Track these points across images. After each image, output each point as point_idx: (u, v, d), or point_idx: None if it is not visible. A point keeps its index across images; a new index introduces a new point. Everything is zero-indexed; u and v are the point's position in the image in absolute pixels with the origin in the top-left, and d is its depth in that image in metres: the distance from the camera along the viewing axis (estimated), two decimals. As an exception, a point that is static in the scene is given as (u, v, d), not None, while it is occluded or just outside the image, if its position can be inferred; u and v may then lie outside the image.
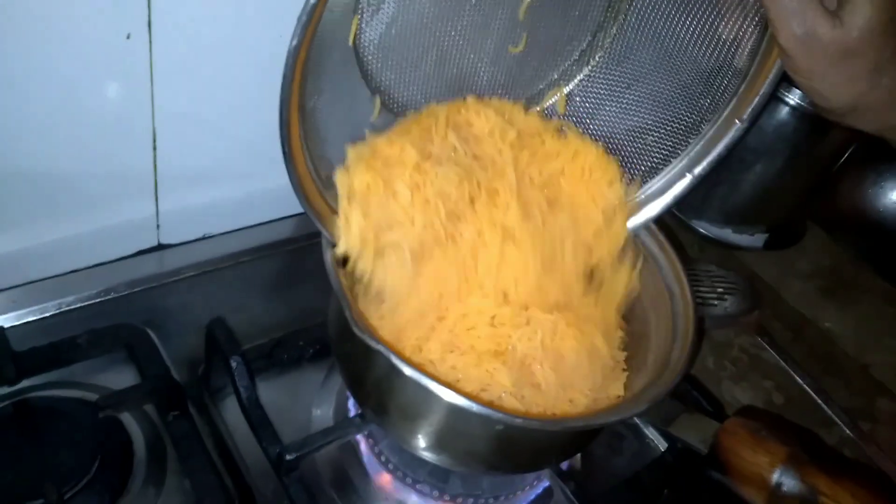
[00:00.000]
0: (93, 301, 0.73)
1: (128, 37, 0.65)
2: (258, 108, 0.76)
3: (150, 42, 0.66)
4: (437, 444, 0.57)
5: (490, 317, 0.61)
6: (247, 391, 0.63)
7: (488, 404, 0.52)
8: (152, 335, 0.71)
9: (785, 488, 0.53)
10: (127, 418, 0.65)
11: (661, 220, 0.71)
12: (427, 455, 0.59)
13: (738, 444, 0.57)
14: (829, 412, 0.85)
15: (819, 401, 0.86)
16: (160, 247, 0.80)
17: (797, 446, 0.55)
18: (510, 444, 0.57)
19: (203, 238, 0.83)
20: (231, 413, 0.68)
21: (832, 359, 0.92)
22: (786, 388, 0.88)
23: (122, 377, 0.69)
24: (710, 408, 0.75)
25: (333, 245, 0.56)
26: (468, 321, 0.61)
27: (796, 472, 0.53)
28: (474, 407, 0.49)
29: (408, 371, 0.49)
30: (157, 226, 0.79)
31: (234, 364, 0.63)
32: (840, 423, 0.84)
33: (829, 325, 0.98)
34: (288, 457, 0.59)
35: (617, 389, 0.64)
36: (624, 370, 0.66)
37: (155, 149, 0.72)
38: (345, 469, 0.67)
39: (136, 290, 0.76)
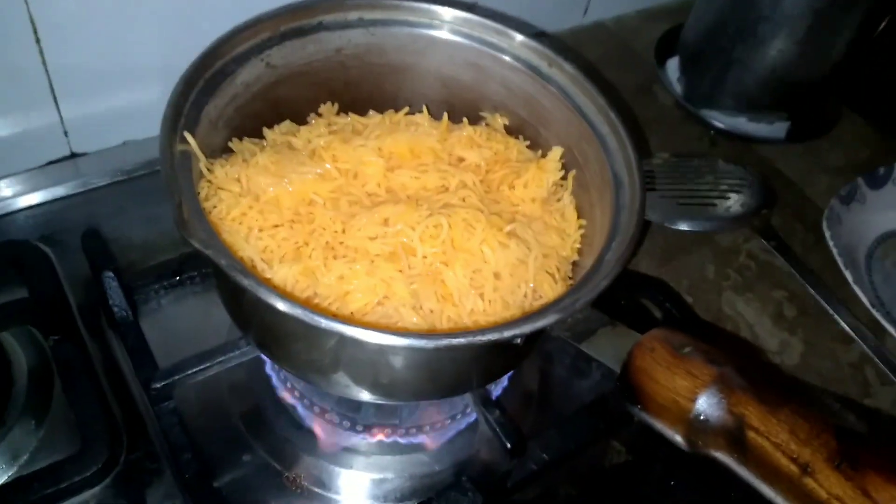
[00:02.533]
0: (-11, 216, 0.67)
1: None
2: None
3: None
4: (319, 370, 0.49)
5: (382, 217, 0.51)
6: (120, 311, 0.56)
7: (355, 321, 0.43)
8: (48, 251, 0.63)
9: (705, 419, 0.41)
10: (9, 341, 0.59)
11: (613, 94, 0.59)
12: (316, 382, 0.51)
13: (654, 363, 0.44)
14: (846, 327, 0.72)
15: (836, 315, 0.73)
16: (73, 155, 0.73)
17: (730, 367, 0.42)
18: (406, 368, 0.47)
19: (124, 145, 0.75)
20: (128, 337, 0.60)
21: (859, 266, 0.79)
22: (800, 300, 0.76)
23: (11, 298, 0.62)
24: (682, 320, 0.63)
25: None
26: (357, 222, 0.51)
27: (723, 400, 0.40)
28: (323, 323, 0.39)
29: (244, 282, 0.40)
30: (65, 132, 0.71)
31: (105, 280, 0.55)
32: (858, 338, 0.71)
33: (859, 227, 0.84)
34: (155, 384, 0.51)
35: (555, 297, 0.53)
36: (569, 277, 0.56)
37: (38, 42, 0.64)
38: (252, 394, 0.59)
39: (38, 203, 0.69)
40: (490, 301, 0.51)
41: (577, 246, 0.57)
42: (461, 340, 0.41)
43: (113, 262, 0.58)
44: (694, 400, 0.41)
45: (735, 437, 0.39)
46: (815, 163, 0.90)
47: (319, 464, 0.58)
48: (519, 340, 0.43)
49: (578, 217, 0.58)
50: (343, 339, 0.41)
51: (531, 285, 0.52)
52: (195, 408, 0.57)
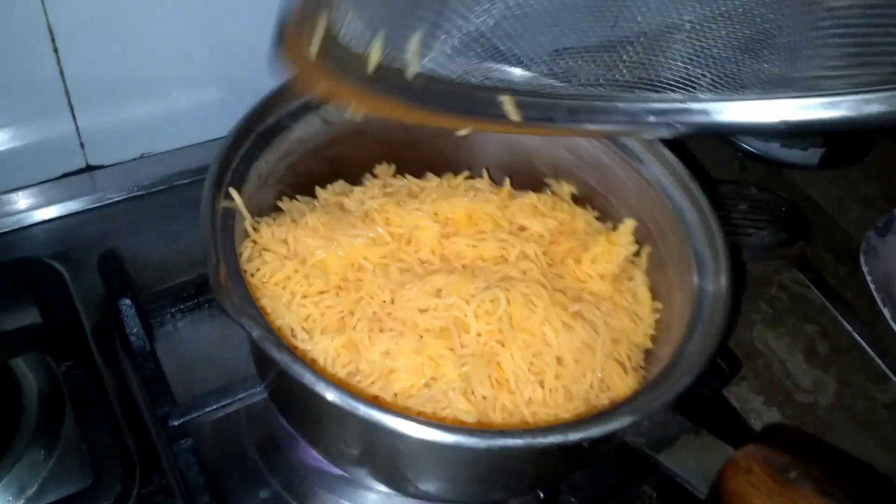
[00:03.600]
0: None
1: None
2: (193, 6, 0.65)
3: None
4: (352, 457, 0.46)
5: (434, 288, 0.48)
6: (137, 340, 0.53)
7: (398, 409, 0.40)
8: (61, 270, 0.61)
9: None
10: (20, 366, 0.56)
11: (686, 154, 0.56)
12: (344, 469, 0.48)
13: (751, 488, 0.38)
14: (883, 365, 0.70)
15: (871, 352, 0.71)
16: (89, 168, 0.70)
17: (843, 497, 0.36)
18: (445, 465, 0.44)
19: (141, 158, 0.72)
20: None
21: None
22: (833, 335, 0.73)
23: (26, 319, 0.59)
24: (723, 365, 0.61)
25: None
26: (407, 292, 0.48)
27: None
28: (360, 410, 0.37)
29: (276, 356, 0.38)
30: (81, 144, 0.69)
31: (122, 308, 0.53)
32: (895, 378, 0.69)
33: (894, 259, 0.81)
34: (172, 422, 0.49)
35: (626, 390, 0.49)
36: (641, 367, 0.52)
37: (56, 51, 0.61)
38: (269, 427, 0.56)
39: (52, 217, 0.66)
40: (551, 390, 0.47)
41: (651, 332, 0.53)
42: (518, 442, 0.37)
43: (130, 288, 0.55)
44: (798, 537, 0.36)
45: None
46: (848, 191, 0.88)
47: (336, 501, 0.55)
48: (585, 444, 0.39)
49: (653, 299, 0.54)
50: (380, 429, 0.38)
51: (598, 374, 0.48)
52: (211, 440, 0.55)
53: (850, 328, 0.72)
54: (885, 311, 0.69)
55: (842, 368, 0.71)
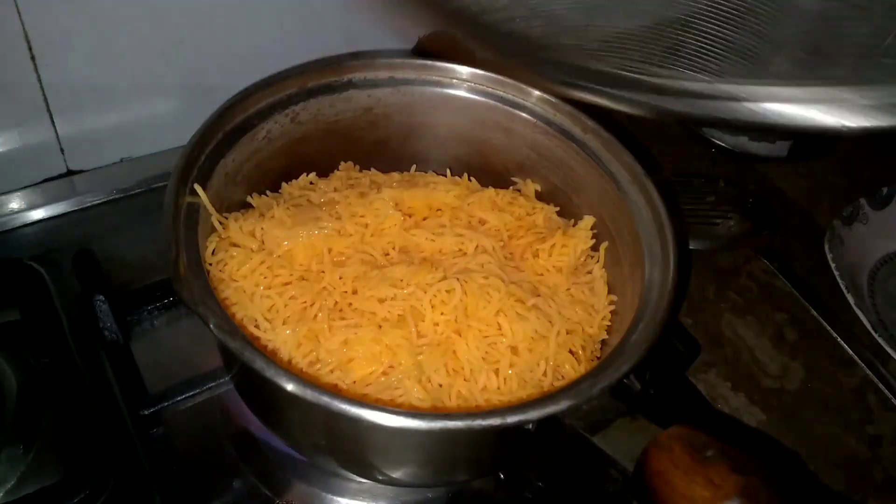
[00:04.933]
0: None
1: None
2: (164, 11, 0.67)
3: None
4: (313, 444, 0.47)
5: (393, 277, 0.50)
6: (111, 334, 0.55)
7: (353, 396, 0.42)
8: (41, 271, 0.63)
9: (729, 536, 0.37)
10: (0, 363, 0.58)
11: (642, 149, 0.58)
12: (309, 458, 0.50)
13: (671, 466, 0.39)
14: (850, 350, 0.71)
15: (838, 338, 0.72)
16: (69, 173, 0.72)
17: (757, 476, 0.38)
18: (401, 449, 0.46)
19: (121, 162, 0.74)
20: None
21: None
22: (801, 322, 0.75)
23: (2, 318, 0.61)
24: (682, 348, 0.62)
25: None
26: (367, 282, 0.50)
27: (748, 515, 0.36)
28: (301, 392, 0.38)
29: (231, 344, 0.40)
30: (62, 150, 0.70)
31: (96, 304, 0.55)
32: (862, 362, 0.71)
33: (862, 248, 0.83)
34: (143, 411, 0.51)
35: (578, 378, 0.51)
36: (596, 357, 0.53)
37: (33, 58, 0.63)
38: (243, 418, 0.58)
39: (33, 221, 0.68)
40: (505, 378, 0.48)
41: (607, 323, 0.54)
42: (458, 424, 0.38)
43: (104, 284, 0.57)
44: (713, 511, 0.37)
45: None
46: (817, 182, 0.89)
47: (311, 491, 0.57)
48: (531, 426, 0.41)
49: (610, 292, 0.55)
50: (333, 415, 0.39)
51: (551, 363, 0.50)
52: (185, 431, 0.56)
53: (817, 315, 0.74)
54: (850, 298, 0.71)
55: (809, 355, 0.72)
